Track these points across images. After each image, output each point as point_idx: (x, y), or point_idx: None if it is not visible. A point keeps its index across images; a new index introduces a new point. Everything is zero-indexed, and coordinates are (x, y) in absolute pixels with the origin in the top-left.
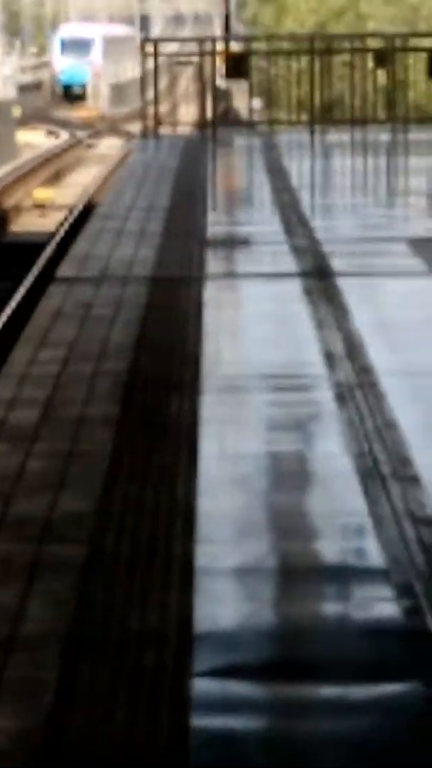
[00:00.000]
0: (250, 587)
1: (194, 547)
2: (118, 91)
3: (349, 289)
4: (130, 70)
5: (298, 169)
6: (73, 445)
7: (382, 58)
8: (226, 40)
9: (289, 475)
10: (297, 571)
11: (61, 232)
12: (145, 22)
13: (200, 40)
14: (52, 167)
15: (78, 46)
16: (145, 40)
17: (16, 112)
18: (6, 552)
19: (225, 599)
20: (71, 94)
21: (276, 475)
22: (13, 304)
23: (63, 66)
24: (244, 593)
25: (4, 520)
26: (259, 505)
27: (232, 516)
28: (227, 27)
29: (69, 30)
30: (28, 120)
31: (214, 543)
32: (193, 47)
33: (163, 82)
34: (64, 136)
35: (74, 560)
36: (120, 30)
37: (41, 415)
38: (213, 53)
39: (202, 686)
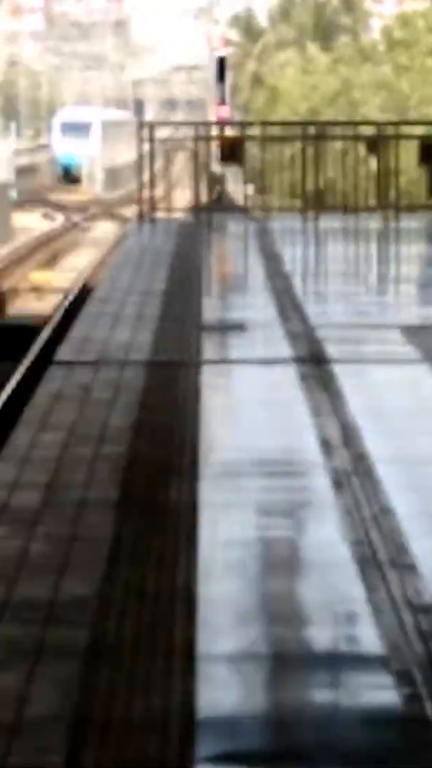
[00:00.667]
0: (249, 673)
1: (195, 633)
2: (113, 175)
3: (344, 375)
4: (126, 153)
5: (292, 254)
6: (74, 528)
7: (374, 145)
8: (221, 125)
9: (287, 562)
10: (296, 658)
11: (58, 315)
12: (139, 106)
13: (195, 125)
14: (48, 250)
15: (77, 129)
16: (141, 124)
17: (12, 194)
18: (9, 635)
19: (226, 685)
20: (70, 176)
21: (274, 561)
22: (10, 386)
23: (62, 148)
24: (244, 679)
25: (7, 603)
26: (258, 591)
27: (231, 602)
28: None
29: (68, 113)
30: (24, 202)
31: (214, 629)
32: (187, 131)
33: (157, 166)
34: (60, 219)
35: (77, 644)
36: (116, 114)
37: (42, 499)
38: (208, 138)
39: None
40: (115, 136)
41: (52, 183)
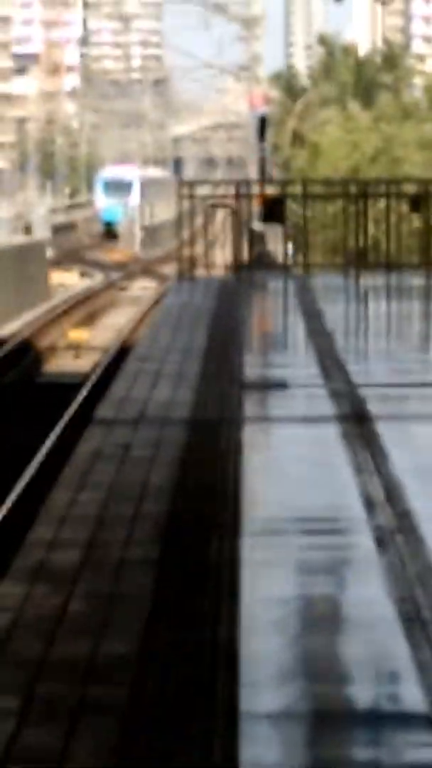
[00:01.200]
0: (291, 731)
1: (237, 691)
2: (152, 233)
3: (387, 433)
4: (164, 211)
5: (333, 312)
6: (114, 587)
7: (417, 202)
8: (262, 183)
9: (329, 619)
10: (338, 716)
11: (97, 373)
12: (178, 164)
13: (236, 183)
14: (85, 308)
15: (119, 187)
16: (180, 182)
17: (50, 253)
18: (49, 693)
19: (268, 743)
20: (112, 233)
21: (316, 619)
22: (49, 445)
23: (104, 205)
24: (286, 737)
25: (47, 661)
26: (300, 648)
27: (273, 659)
28: (263, 171)
29: (110, 171)
30: (62, 261)
31: (256, 686)
32: (227, 189)
33: (197, 224)
34: (98, 277)
35: (117, 702)
36: (156, 172)
37: (82, 557)
38: (249, 196)
39: None
40: (154, 194)
41: (90, 241)
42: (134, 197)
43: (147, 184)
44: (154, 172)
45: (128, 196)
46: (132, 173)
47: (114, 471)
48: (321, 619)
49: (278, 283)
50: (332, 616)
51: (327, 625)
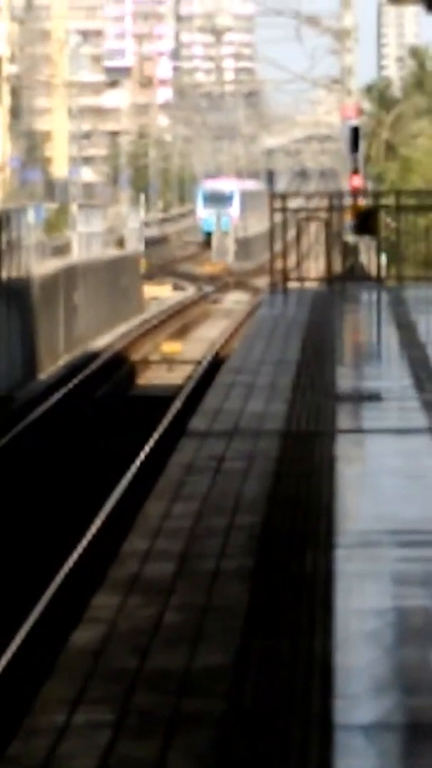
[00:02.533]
0: (386, 743)
1: (332, 703)
2: (245, 246)
3: None
4: (257, 224)
5: (427, 324)
6: (208, 598)
7: None
8: (355, 195)
9: (424, 631)
10: None
11: (190, 386)
12: (270, 176)
13: (329, 196)
14: (178, 321)
15: (219, 199)
16: (273, 195)
17: (143, 266)
18: (145, 705)
19: (363, 755)
20: (211, 241)
21: (410, 631)
22: (142, 456)
23: (205, 216)
24: (381, 749)
25: (143, 673)
26: (395, 660)
27: (368, 671)
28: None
29: (211, 184)
30: (155, 274)
31: (351, 698)
32: (320, 202)
33: (289, 236)
34: (191, 290)
35: (213, 714)
36: (253, 185)
37: (176, 569)
38: (341, 208)
39: None
40: (252, 206)
41: (183, 253)
42: (234, 208)
43: (245, 197)
44: (252, 184)
45: (229, 207)
46: (232, 186)
47: (208, 483)
48: (416, 631)
49: (371, 295)
50: (426, 627)
51: (422, 637)
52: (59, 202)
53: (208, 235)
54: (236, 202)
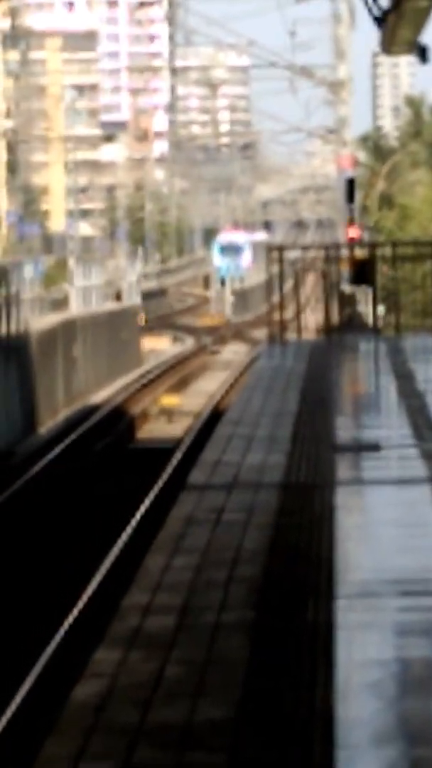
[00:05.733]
0: None
1: (335, 754)
2: (242, 298)
3: None
4: (254, 275)
5: (425, 373)
6: (209, 651)
7: None
8: (351, 246)
9: (424, 682)
10: None
11: (190, 438)
12: (267, 227)
13: (325, 247)
14: (177, 373)
15: (233, 250)
16: (269, 247)
17: (141, 319)
18: (147, 759)
19: None
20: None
21: (412, 682)
22: (143, 510)
23: (220, 264)
24: None
25: (144, 727)
26: (397, 711)
27: (370, 722)
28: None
29: (225, 237)
30: (154, 327)
31: (354, 749)
32: (317, 252)
33: (286, 287)
34: (189, 342)
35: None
36: (262, 236)
37: (177, 622)
38: (338, 259)
39: None
40: (258, 256)
41: (181, 306)
42: (246, 258)
43: (256, 248)
44: (261, 236)
45: (241, 256)
46: (243, 237)
47: (208, 535)
48: (417, 682)
49: (369, 345)
50: (428, 678)
51: (423, 687)
52: (57, 256)
53: (223, 280)
54: (248, 252)
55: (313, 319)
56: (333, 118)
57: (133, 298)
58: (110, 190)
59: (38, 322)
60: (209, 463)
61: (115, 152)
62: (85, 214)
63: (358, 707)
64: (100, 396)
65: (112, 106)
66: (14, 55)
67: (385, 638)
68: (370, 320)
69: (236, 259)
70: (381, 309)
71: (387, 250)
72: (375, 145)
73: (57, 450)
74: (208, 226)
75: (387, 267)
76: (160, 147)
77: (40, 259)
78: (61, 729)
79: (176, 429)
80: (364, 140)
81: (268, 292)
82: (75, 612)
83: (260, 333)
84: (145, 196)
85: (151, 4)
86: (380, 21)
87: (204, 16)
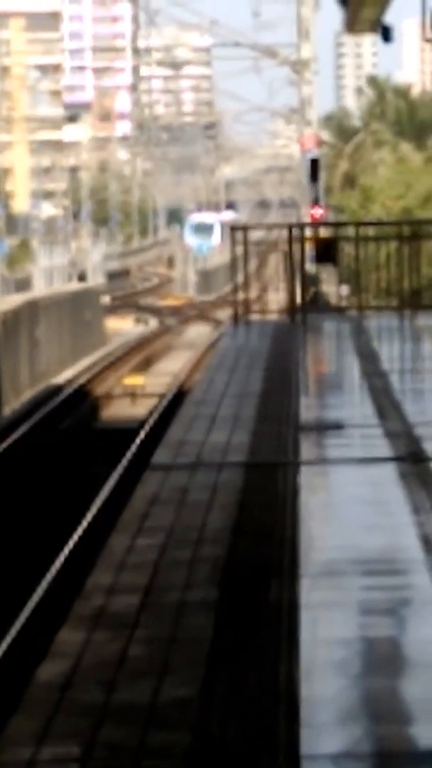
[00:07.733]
0: None
1: (298, 733)
2: (205, 278)
3: None
4: (217, 255)
5: (389, 353)
6: (174, 631)
7: None
8: (315, 226)
9: (389, 660)
10: (402, 757)
11: (154, 419)
12: (231, 207)
13: (289, 227)
14: (141, 354)
15: (204, 229)
16: (233, 227)
17: (105, 299)
18: (112, 738)
19: None
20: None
21: (376, 660)
22: (107, 490)
23: (193, 244)
24: None
25: (109, 707)
26: (361, 690)
27: (334, 701)
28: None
29: (197, 217)
30: (117, 307)
31: (318, 728)
32: (281, 233)
33: (250, 267)
34: (153, 323)
35: (180, 747)
36: (230, 215)
37: (141, 602)
38: (302, 239)
39: None
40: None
41: (145, 287)
42: (216, 237)
43: (225, 227)
44: (230, 215)
45: (211, 236)
46: (213, 217)
47: (172, 515)
48: (380, 660)
49: (333, 325)
50: (392, 657)
51: (386, 666)
52: (20, 237)
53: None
54: (217, 231)
55: (276, 298)
56: (296, 98)
57: (97, 279)
58: (73, 170)
59: (1, 302)
60: (173, 442)
61: (78, 133)
62: (48, 194)
63: (323, 686)
64: (63, 376)
65: (76, 86)
66: None
67: (348, 617)
68: (333, 300)
69: (207, 239)
70: (345, 289)
71: (351, 230)
72: (339, 125)
73: (21, 430)
74: (171, 206)
75: (350, 247)
76: (123, 127)
77: (4, 239)
78: (26, 709)
79: (140, 409)
80: (327, 120)
81: (232, 273)
82: (39, 592)
83: (224, 313)
84: (109, 177)
85: None
86: (344, 0)
87: None
